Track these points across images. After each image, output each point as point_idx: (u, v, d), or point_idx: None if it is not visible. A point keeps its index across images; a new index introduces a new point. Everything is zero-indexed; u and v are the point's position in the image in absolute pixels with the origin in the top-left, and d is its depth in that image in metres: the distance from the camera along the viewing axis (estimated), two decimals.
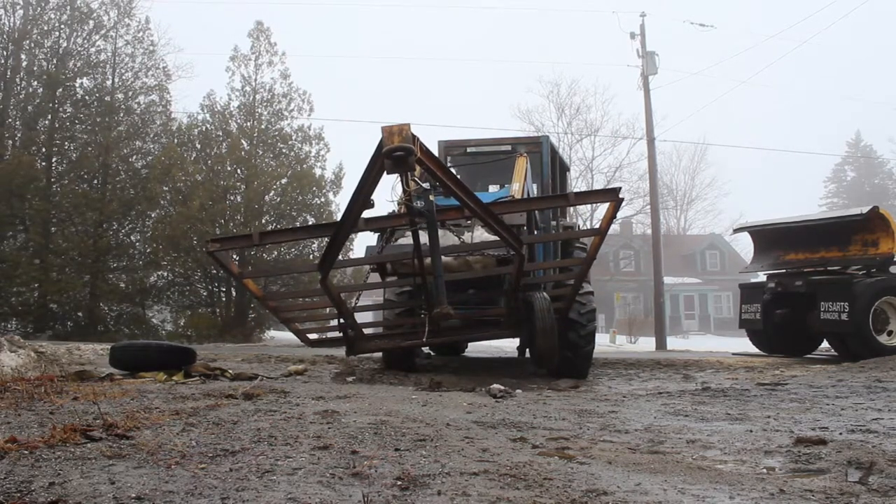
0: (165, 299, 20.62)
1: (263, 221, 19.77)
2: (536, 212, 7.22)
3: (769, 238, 11.57)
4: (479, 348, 11.76)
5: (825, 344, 11.04)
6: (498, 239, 5.32)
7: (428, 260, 5.21)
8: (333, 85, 67.08)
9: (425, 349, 9.18)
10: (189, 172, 19.48)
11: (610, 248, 41.35)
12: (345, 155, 21.13)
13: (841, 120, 73.52)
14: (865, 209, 9.80)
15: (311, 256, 19.07)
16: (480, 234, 6.07)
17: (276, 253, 19.79)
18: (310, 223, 18.43)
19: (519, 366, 8.35)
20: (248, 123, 20.84)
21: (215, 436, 2.83)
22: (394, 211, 6.32)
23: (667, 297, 25.01)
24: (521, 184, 6.89)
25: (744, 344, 13.09)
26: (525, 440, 3.04)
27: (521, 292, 6.18)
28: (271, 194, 20.43)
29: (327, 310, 6.74)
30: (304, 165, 20.68)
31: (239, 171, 20.23)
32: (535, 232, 7.19)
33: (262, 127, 20.91)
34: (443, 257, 5.20)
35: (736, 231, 13.41)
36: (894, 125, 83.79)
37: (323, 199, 20.52)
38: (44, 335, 16.63)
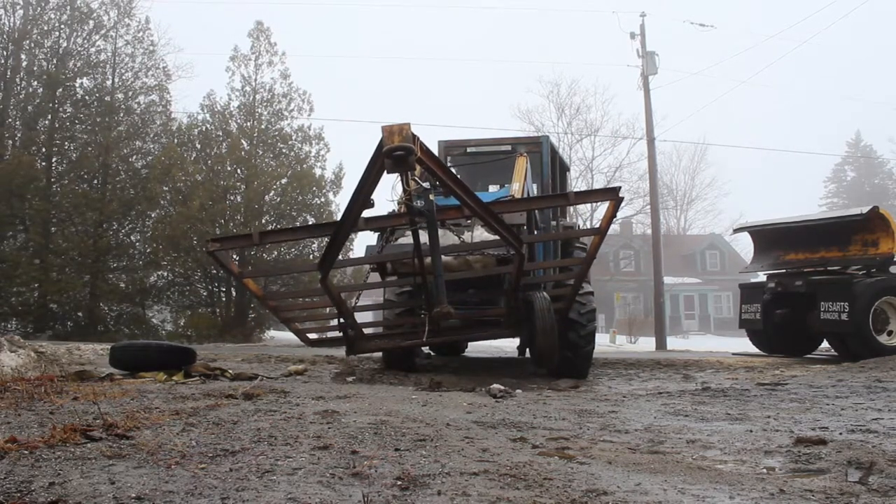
0: (165, 299, 20.62)
1: (263, 221, 19.76)
2: (536, 212, 7.21)
3: (769, 238, 11.57)
4: (479, 348, 11.76)
5: (825, 344, 11.04)
6: (498, 238, 5.32)
7: (428, 259, 5.21)
8: (333, 85, 67.19)
9: (425, 349, 9.17)
10: (189, 172, 19.48)
11: (610, 248, 41.36)
12: (345, 155, 21.15)
13: (841, 120, 73.67)
14: (865, 209, 9.80)
15: (311, 256, 19.07)
16: (480, 234, 6.07)
17: (276, 253, 19.79)
18: (310, 223, 18.42)
19: (519, 366, 8.35)
20: (248, 123, 20.84)
21: (215, 436, 2.83)
22: (393, 210, 6.32)
23: (667, 297, 25.01)
24: (521, 183, 6.89)
25: (744, 344, 13.09)
26: (525, 440, 3.04)
27: (521, 292, 6.18)
28: (271, 194, 20.44)
29: (327, 309, 6.74)
30: (304, 165, 20.68)
31: (239, 171, 20.23)
32: (535, 232, 7.19)
33: (262, 127, 20.91)
34: (443, 257, 5.20)
35: (736, 231, 13.41)
36: (894, 125, 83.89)
37: (323, 199, 20.54)
38: (44, 335, 16.63)
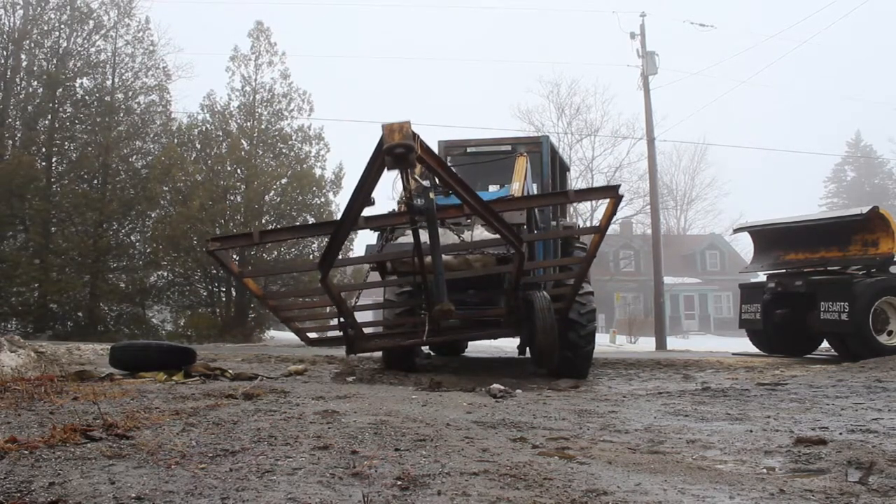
0: (165, 299, 20.62)
1: (263, 221, 19.76)
2: (536, 212, 7.21)
3: (769, 238, 11.57)
4: (479, 348, 11.76)
5: (825, 344, 11.04)
6: (498, 237, 5.32)
7: (428, 259, 5.21)
8: (333, 85, 67.23)
9: (425, 349, 9.18)
10: (189, 172, 19.48)
11: (610, 248, 41.37)
12: (345, 155, 21.17)
13: (841, 120, 73.71)
14: (865, 209, 9.80)
15: (311, 257, 19.07)
16: (480, 233, 6.07)
17: (276, 253, 19.80)
18: (310, 223, 18.43)
19: (519, 366, 8.35)
20: (248, 123, 20.84)
21: (215, 436, 2.83)
22: (394, 210, 6.32)
23: (667, 297, 25.01)
24: (521, 183, 6.89)
25: (744, 344, 13.09)
26: (525, 440, 3.04)
27: (521, 291, 6.17)
28: (271, 194, 20.44)
29: (327, 309, 6.74)
30: (304, 165, 20.68)
31: (239, 171, 20.24)
32: (535, 232, 7.19)
33: (262, 127, 20.91)
34: (443, 256, 5.20)
35: (736, 231, 13.41)
36: (894, 125, 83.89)
37: (323, 199, 20.54)
38: (44, 335, 16.63)
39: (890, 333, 9.57)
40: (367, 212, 4.98)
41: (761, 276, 12.17)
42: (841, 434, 3.27)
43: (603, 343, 17.87)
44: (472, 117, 78.84)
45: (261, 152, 20.80)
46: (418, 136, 3.98)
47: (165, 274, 20.68)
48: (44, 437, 2.60)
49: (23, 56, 20.72)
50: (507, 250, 5.87)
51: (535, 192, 7.64)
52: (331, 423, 3.26)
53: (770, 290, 10.85)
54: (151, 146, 21.51)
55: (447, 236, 5.89)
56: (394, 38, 76.56)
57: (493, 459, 2.56)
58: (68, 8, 20.81)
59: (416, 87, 74.48)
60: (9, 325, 18.31)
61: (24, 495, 1.90)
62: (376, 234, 6.54)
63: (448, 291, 4.80)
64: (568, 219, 9.79)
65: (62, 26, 20.86)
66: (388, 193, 5.72)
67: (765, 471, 2.54)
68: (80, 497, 1.89)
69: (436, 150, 7.37)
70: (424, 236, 4.91)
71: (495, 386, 5.19)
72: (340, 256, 6.04)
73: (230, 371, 6.19)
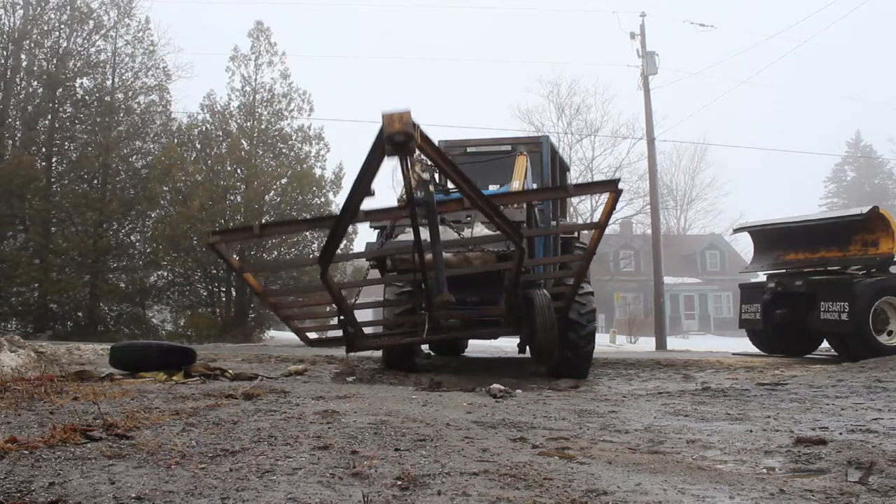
0: (165, 299, 20.64)
1: (263, 221, 19.76)
2: (536, 212, 7.22)
3: (769, 238, 11.57)
4: (479, 348, 11.76)
5: (825, 344, 11.04)
6: (498, 234, 5.31)
7: (428, 255, 5.21)
8: (333, 85, 67.17)
9: (425, 349, 9.17)
10: (189, 172, 19.49)
11: (610, 248, 41.37)
12: (345, 155, 21.11)
13: (841, 120, 73.69)
14: (865, 209, 9.80)
15: (310, 256, 19.09)
16: (480, 231, 6.07)
17: (276, 254, 19.82)
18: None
19: (519, 366, 8.35)
20: (248, 123, 20.84)
21: (215, 436, 2.83)
22: (394, 207, 6.32)
23: (667, 297, 25.00)
24: (521, 181, 6.89)
25: (744, 344, 13.08)
26: (525, 440, 3.04)
27: (520, 289, 6.17)
28: (271, 194, 20.45)
29: (327, 307, 6.74)
30: (304, 165, 20.69)
31: (239, 171, 20.25)
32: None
33: (262, 127, 20.91)
34: (443, 253, 5.20)
35: (736, 231, 13.41)
36: (894, 125, 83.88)
37: (323, 199, 20.56)
38: (44, 335, 16.64)
39: (890, 333, 9.57)
40: (368, 205, 4.97)
41: (761, 276, 12.17)
42: (841, 434, 3.27)
43: (603, 343, 17.87)
44: (472, 117, 78.91)
45: (261, 152, 20.81)
46: (418, 126, 3.98)
47: (165, 274, 20.69)
48: (44, 437, 2.60)
49: (23, 56, 20.73)
50: (507, 247, 5.86)
51: None
52: (331, 423, 3.26)
53: (770, 290, 10.85)
54: (151, 146, 21.53)
55: (447, 234, 5.88)
56: (394, 38, 76.67)
57: (493, 459, 2.56)
58: (68, 8, 20.82)
59: (416, 87, 74.33)
60: (9, 325, 18.32)
61: (24, 495, 1.90)
62: (376, 233, 6.55)
63: (448, 290, 4.80)
64: (568, 219, 9.80)
65: (62, 26, 20.88)
66: (387, 182, 5.66)
67: (765, 471, 2.54)
68: (80, 497, 1.89)
69: None
70: (424, 233, 4.90)
71: (495, 386, 5.19)
72: (340, 253, 6.04)
73: (230, 371, 6.19)
